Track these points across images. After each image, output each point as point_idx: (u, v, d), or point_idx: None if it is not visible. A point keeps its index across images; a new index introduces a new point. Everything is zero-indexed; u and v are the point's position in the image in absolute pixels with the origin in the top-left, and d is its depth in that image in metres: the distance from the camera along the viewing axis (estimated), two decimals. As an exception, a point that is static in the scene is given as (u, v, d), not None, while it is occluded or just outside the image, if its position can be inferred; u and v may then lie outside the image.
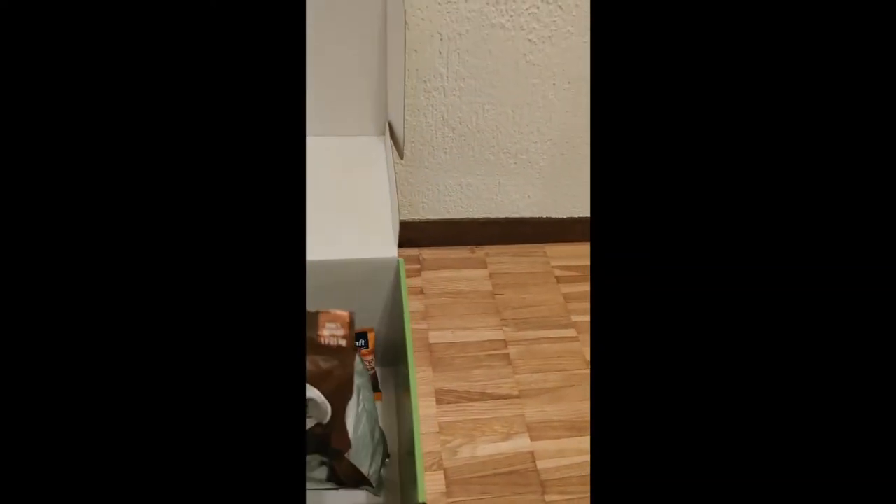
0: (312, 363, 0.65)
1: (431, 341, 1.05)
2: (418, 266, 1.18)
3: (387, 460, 0.81)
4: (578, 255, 1.24)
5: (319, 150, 0.86)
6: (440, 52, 0.92)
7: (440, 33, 0.90)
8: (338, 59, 0.81)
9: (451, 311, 1.11)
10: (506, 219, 1.21)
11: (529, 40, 0.93)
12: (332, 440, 0.68)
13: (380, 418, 0.81)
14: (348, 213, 0.78)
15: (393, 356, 0.90)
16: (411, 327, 0.72)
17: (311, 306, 0.63)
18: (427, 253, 1.21)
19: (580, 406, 0.98)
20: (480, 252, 1.23)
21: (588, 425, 0.96)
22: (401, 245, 0.76)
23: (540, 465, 0.90)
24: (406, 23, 0.82)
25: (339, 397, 0.67)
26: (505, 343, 1.07)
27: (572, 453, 0.92)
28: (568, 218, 1.23)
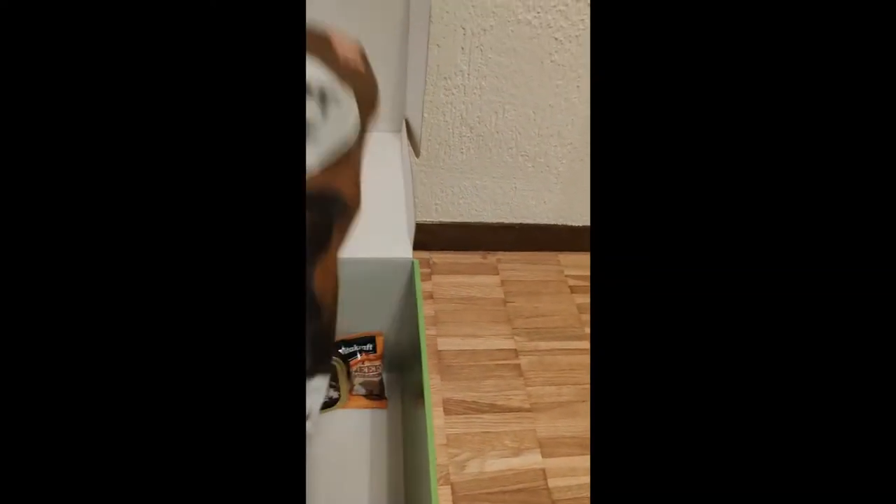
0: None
1: (440, 348, 1.01)
2: (428, 270, 1.14)
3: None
4: (593, 264, 1.20)
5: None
6: (462, 48, 0.89)
7: (464, 28, 0.86)
8: (357, 49, 0.77)
9: (461, 317, 1.07)
10: (520, 224, 1.17)
11: (556, 38, 0.89)
12: (339, 186, 0.42)
13: (384, 427, 0.77)
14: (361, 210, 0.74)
15: (400, 362, 0.86)
16: (423, 333, 0.67)
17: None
18: (438, 257, 1.17)
19: (594, 422, 0.94)
20: (492, 258, 1.19)
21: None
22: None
23: (551, 483, 0.86)
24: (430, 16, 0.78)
25: (363, 110, 0.43)
26: (516, 353, 1.03)
27: (585, 472, 0.88)
28: (584, 226, 1.19)
